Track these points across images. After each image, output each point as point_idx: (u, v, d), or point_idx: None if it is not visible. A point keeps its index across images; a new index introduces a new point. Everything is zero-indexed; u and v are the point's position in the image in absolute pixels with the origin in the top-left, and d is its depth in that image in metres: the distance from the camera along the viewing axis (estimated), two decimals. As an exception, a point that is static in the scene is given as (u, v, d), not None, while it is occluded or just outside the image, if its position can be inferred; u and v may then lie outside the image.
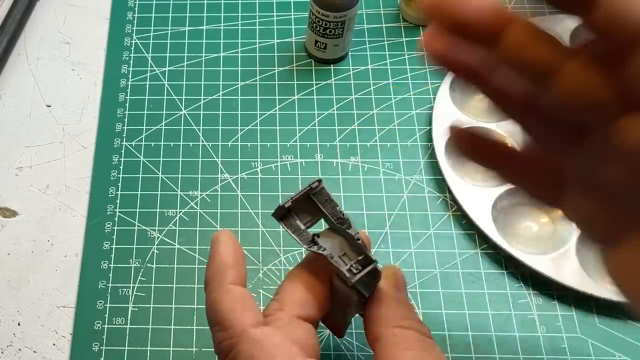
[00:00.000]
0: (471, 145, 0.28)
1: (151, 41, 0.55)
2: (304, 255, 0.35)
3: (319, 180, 0.32)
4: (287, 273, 0.33)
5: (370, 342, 0.31)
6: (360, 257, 0.30)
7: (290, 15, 0.56)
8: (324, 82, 0.52)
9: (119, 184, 0.48)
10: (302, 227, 0.32)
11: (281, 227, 0.32)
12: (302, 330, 0.30)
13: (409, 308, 0.32)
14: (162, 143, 0.49)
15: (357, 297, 0.31)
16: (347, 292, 0.31)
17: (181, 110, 0.51)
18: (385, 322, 0.30)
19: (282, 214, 0.32)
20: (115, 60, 0.54)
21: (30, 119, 0.51)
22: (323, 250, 0.31)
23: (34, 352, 0.42)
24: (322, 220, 0.33)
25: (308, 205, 0.32)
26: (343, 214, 0.32)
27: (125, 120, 0.51)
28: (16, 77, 0.53)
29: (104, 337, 0.42)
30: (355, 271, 0.30)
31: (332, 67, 0.53)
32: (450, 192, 0.46)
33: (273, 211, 0.32)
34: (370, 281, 0.31)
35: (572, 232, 0.43)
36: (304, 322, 0.31)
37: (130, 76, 0.53)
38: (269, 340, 0.28)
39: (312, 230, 0.32)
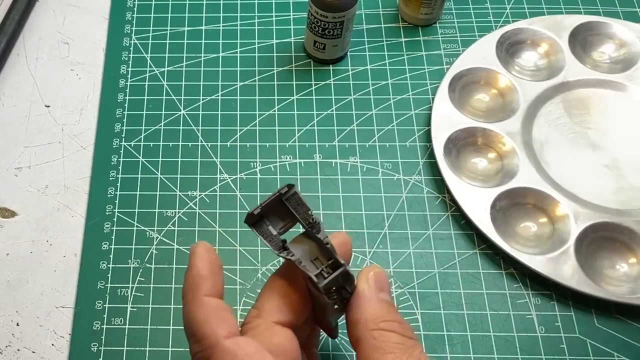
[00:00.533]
0: None
1: (150, 41, 0.55)
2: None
3: (289, 185, 0.32)
4: (266, 280, 0.33)
5: (352, 345, 0.31)
6: (330, 262, 0.30)
7: (289, 15, 0.56)
8: (323, 83, 0.52)
9: (118, 184, 0.48)
10: (274, 232, 0.32)
11: (254, 233, 0.32)
12: (280, 336, 0.31)
13: (389, 309, 0.31)
14: (161, 143, 0.49)
15: (331, 300, 0.31)
16: (321, 297, 0.31)
17: (180, 111, 0.51)
18: (364, 325, 0.31)
19: (254, 221, 0.32)
20: (115, 60, 0.54)
21: (29, 119, 0.51)
22: (292, 256, 0.31)
23: (33, 352, 0.42)
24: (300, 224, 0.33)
25: (280, 210, 0.32)
26: (313, 218, 0.32)
27: (124, 120, 0.51)
28: (15, 77, 0.53)
29: (103, 337, 0.42)
30: (325, 275, 0.30)
31: (331, 67, 0.53)
32: (449, 192, 0.46)
33: (245, 217, 0.32)
34: (344, 284, 0.31)
35: (570, 233, 0.43)
36: (282, 327, 0.31)
37: (129, 76, 0.53)
38: (242, 350, 0.29)
39: (293, 233, 0.33)
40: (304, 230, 0.32)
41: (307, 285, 0.32)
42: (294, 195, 0.32)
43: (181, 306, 0.43)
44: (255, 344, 0.29)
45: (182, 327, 0.42)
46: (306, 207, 0.32)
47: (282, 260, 0.33)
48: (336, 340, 0.41)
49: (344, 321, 0.32)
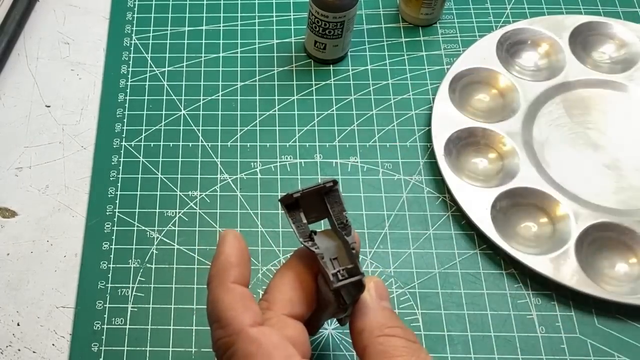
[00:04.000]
0: None
1: (151, 41, 0.55)
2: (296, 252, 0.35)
3: (335, 182, 0.32)
4: (276, 272, 0.33)
5: (358, 354, 0.31)
6: (349, 266, 0.30)
7: (290, 15, 0.56)
8: (324, 83, 0.52)
9: (119, 184, 0.48)
10: (304, 220, 0.32)
11: (283, 213, 0.32)
12: (292, 328, 0.31)
13: (392, 316, 0.32)
14: (161, 143, 0.49)
15: (336, 302, 0.31)
16: (328, 294, 0.31)
17: (181, 111, 0.51)
18: (370, 332, 0.31)
19: (288, 202, 0.32)
20: (115, 60, 0.54)
21: (29, 119, 0.51)
22: (316, 248, 0.31)
23: (34, 352, 0.42)
24: (326, 220, 0.33)
25: (316, 202, 0.32)
26: (347, 220, 0.32)
27: (125, 120, 0.51)
28: (15, 77, 0.53)
29: (104, 337, 0.42)
30: (340, 277, 0.30)
31: (331, 67, 0.53)
32: (449, 192, 0.46)
33: (281, 196, 0.32)
34: (353, 291, 0.31)
35: (571, 233, 0.43)
36: (293, 320, 0.31)
37: (129, 76, 0.53)
38: (267, 339, 0.28)
39: (313, 227, 0.33)
40: (331, 227, 0.32)
41: (317, 280, 0.32)
42: (335, 191, 0.32)
43: (181, 306, 0.43)
44: (279, 334, 0.29)
45: (183, 327, 0.42)
46: (342, 207, 0.32)
47: (282, 259, 0.33)
48: (336, 339, 0.41)
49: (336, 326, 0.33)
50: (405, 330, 0.31)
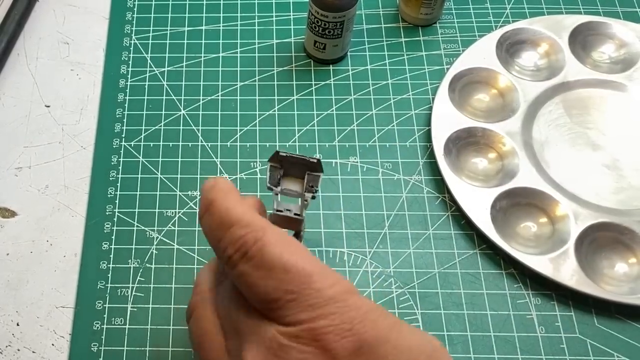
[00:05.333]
0: None
1: (150, 41, 0.55)
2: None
3: (319, 161, 0.35)
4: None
5: None
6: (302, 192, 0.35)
7: (290, 15, 0.56)
8: (323, 83, 0.52)
9: (118, 184, 0.48)
10: (278, 178, 0.36)
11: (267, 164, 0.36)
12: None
13: None
14: (161, 143, 0.49)
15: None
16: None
17: (180, 111, 0.51)
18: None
19: (274, 159, 0.35)
20: (115, 60, 0.54)
21: (29, 119, 0.51)
22: (276, 188, 0.35)
23: (33, 352, 0.42)
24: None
25: (296, 170, 0.36)
26: (313, 196, 0.35)
27: (125, 120, 0.51)
28: (15, 77, 0.53)
29: (103, 337, 0.42)
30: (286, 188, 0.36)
31: (331, 67, 0.53)
32: (449, 192, 0.46)
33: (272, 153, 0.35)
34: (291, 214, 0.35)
35: (571, 233, 0.43)
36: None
37: (129, 76, 0.53)
38: (290, 238, 0.29)
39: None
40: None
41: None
42: (318, 177, 0.35)
43: (182, 306, 0.43)
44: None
45: (183, 327, 0.42)
46: (316, 186, 0.36)
47: None
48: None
49: None
50: None
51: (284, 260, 0.27)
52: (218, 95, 0.52)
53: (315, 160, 0.35)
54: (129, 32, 0.55)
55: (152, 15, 0.56)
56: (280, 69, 0.53)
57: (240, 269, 0.28)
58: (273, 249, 0.27)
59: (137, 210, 0.47)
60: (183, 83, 0.52)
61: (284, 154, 0.35)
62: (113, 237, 0.46)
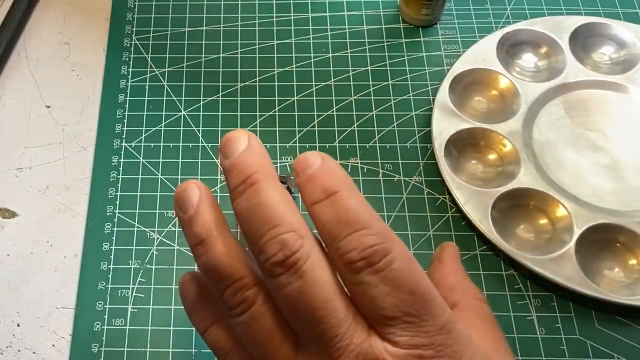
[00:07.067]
0: None
1: (151, 42, 0.55)
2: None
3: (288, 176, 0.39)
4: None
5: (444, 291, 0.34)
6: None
7: (290, 16, 0.56)
8: (324, 83, 0.52)
9: (119, 185, 0.48)
10: None
11: None
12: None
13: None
14: (161, 144, 0.50)
15: None
16: None
17: (181, 112, 0.51)
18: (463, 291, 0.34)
19: None
20: (115, 61, 0.54)
21: (29, 120, 0.51)
22: None
23: (34, 353, 0.42)
24: None
25: None
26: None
27: (125, 121, 0.51)
28: (16, 78, 0.53)
29: (104, 338, 0.42)
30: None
31: (331, 68, 0.53)
32: (449, 193, 0.46)
33: None
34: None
35: (571, 234, 0.43)
36: None
37: (130, 77, 0.53)
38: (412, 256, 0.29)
39: None
40: None
41: None
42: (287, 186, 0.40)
43: (182, 307, 0.43)
44: None
45: (183, 328, 0.42)
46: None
47: None
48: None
49: None
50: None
51: (410, 281, 0.26)
52: (218, 96, 0.52)
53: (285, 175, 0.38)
54: (129, 32, 0.55)
55: (153, 15, 0.56)
56: (281, 69, 0.53)
57: (363, 277, 0.26)
58: (401, 266, 0.26)
59: (137, 211, 0.47)
60: (183, 84, 0.52)
61: None
62: (113, 238, 0.46)
